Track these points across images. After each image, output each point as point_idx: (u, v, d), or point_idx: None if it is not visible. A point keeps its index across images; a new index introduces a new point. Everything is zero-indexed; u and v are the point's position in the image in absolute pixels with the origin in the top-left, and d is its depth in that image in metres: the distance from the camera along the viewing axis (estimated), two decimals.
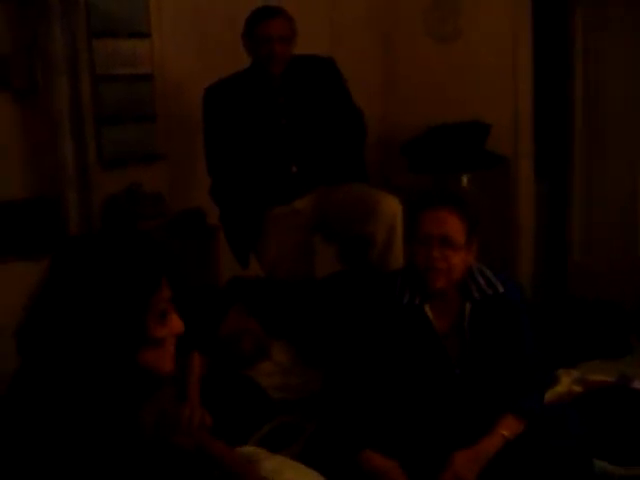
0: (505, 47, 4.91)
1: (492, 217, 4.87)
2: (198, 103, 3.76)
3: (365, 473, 2.40)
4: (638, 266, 4.92)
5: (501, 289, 2.57)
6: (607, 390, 3.08)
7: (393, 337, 2.56)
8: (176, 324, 1.61)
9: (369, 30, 5.28)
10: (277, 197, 3.71)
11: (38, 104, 3.93)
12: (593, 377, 3.27)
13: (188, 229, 4.23)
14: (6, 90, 3.88)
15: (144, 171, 4.28)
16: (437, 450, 2.43)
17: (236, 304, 2.85)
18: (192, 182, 4.30)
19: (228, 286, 3.04)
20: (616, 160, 5.01)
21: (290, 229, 3.69)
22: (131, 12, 4.15)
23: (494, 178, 4.84)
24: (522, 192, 5.00)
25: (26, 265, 3.51)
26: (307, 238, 3.77)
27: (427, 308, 2.55)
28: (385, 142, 5.27)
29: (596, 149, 5.08)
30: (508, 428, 2.45)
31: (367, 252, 3.57)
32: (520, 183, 4.98)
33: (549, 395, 3.08)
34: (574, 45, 5.06)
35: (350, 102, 3.84)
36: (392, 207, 3.53)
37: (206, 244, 4.27)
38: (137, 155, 4.27)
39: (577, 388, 3.14)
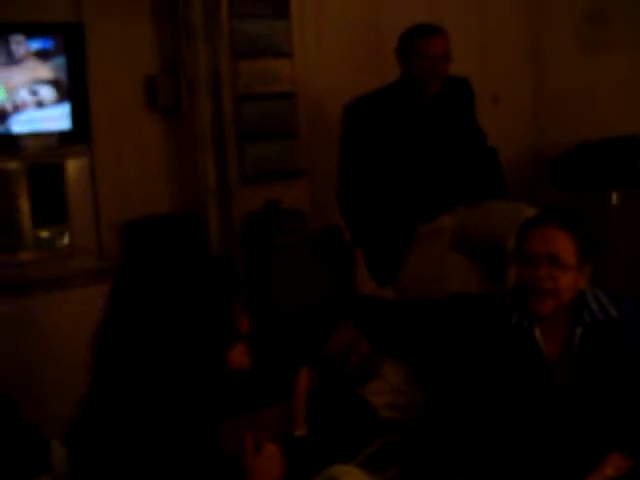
0: None
1: None
2: (339, 121, 3.79)
3: None
4: None
5: (614, 314, 2.43)
6: None
7: (499, 358, 2.47)
8: (245, 324, 1.75)
9: (519, 44, 5.17)
10: (422, 214, 3.68)
11: (182, 122, 4.10)
12: None
13: (326, 246, 4.28)
14: (153, 109, 4.08)
15: (284, 188, 4.37)
16: None
17: (344, 320, 2.84)
18: (332, 199, 4.34)
19: (340, 302, 3.05)
20: None
21: (431, 249, 3.67)
22: (274, 33, 4.27)
23: None
24: None
25: None
26: (446, 257, 3.73)
27: (537, 331, 2.45)
28: (535, 157, 5.13)
29: None
30: (614, 466, 2.30)
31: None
32: None
33: None
34: None
35: (476, 123, 3.80)
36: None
37: (343, 262, 4.30)
38: (278, 172, 4.37)
39: None
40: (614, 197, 4.42)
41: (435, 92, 3.58)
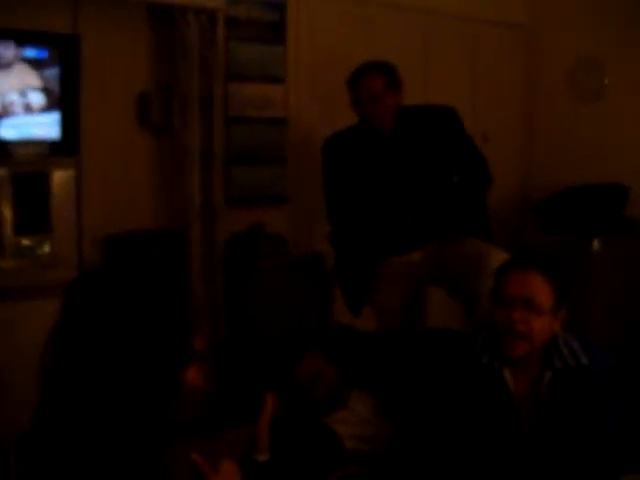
0: None
1: (626, 285, 4.67)
2: None
3: None
4: None
5: (585, 361, 2.44)
6: None
7: (468, 397, 2.47)
8: (200, 344, 1.73)
9: (511, 86, 5.22)
10: (393, 249, 3.68)
11: (172, 141, 4.11)
12: None
13: (307, 273, 4.28)
14: (144, 126, 4.09)
15: (269, 212, 4.39)
16: None
17: (314, 349, 2.84)
18: (315, 227, 4.36)
19: (311, 331, 3.05)
20: None
21: (404, 277, 3.66)
22: (269, 58, 4.29)
23: (631, 244, 4.62)
24: None
25: None
26: (420, 288, 3.73)
27: (506, 372, 2.45)
28: (522, 200, 5.16)
29: None
30: None
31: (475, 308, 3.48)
32: None
33: None
34: None
35: (474, 149, 3.75)
36: (500, 262, 3.41)
37: (323, 289, 4.31)
38: (264, 196, 4.39)
39: None
40: (595, 243, 4.44)
41: (384, 127, 3.57)
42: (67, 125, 3.80)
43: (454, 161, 3.69)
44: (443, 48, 4.86)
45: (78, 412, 1.57)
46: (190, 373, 1.72)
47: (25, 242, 3.78)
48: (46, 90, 3.73)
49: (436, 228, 3.67)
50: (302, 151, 4.42)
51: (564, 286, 2.45)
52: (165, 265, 3.98)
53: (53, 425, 1.58)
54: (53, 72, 3.73)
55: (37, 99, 3.72)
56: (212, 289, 4.16)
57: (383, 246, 3.67)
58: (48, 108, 3.74)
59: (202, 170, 4.11)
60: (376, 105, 3.53)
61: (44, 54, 3.72)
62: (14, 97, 3.65)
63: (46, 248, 3.84)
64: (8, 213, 3.73)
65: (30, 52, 3.67)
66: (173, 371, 1.68)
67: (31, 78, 3.69)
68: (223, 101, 4.15)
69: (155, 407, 1.63)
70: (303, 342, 2.84)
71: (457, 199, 3.70)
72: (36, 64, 3.69)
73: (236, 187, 4.28)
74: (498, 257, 3.44)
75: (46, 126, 3.75)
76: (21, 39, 3.63)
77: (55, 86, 3.74)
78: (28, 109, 3.69)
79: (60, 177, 3.88)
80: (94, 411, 1.56)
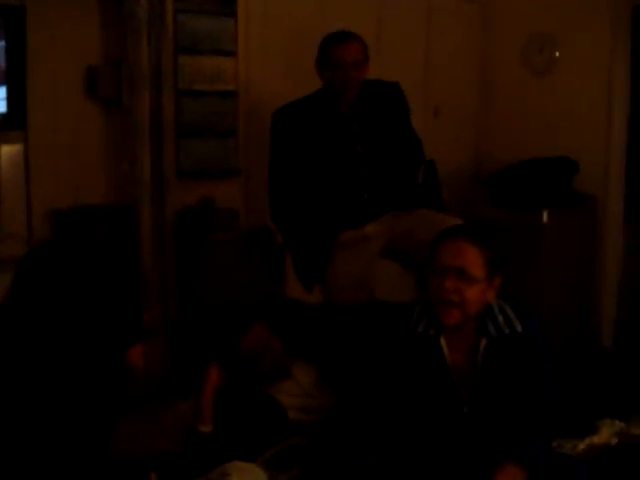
0: (601, 81, 4.77)
1: (575, 257, 4.74)
2: None
3: None
4: None
5: (519, 328, 2.49)
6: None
7: (405, 365, 2.51)
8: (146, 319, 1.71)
9: (465, 60, 5.24)
10: (348, 222, 3.69)
11: (122, 114, 4.08)
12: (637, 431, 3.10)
13: (258, 246, 4.29)
14: (93, 99, 4.06)
15: (220, 185, 4.38)
16: None
17: (259, 320, 2.86)
18: (266, 200, 4.36)
19: (256, 303, 3.07)
20: None
21: (358, 256, 3.68)
22: (218, 31, 4.27)
23: (579, 217, 4.69)
24: (609, 234, 4.81)
25: None
26: (372, 264, 3.75)
27: (442, 340, 2.50)
28: (474, 173, 5.20)
29: None
30: (509, 477, 2.35)
31: None
32: (607, 224, 4.81)
33: (583, 445, 2.95)
34: None
35: (411, 129, 3.79)
36: None
37: (274, 263, 4.32)
38: (215, 170, 4.38)
39: (615, 440, 2.99)
40: (544, 215, 4.49)
41: (352, 98, 3.57)
42: (14, 99, 3.77)
43: (397, 137, 3.73)
44: (398, 21, 4.86)
45: (23, 389, 1.56)
46: (133, 352, 1.73)
47: None
48: None
49: (391, 199, 3.70)
50: (253, 124, 4.42)
51: (497, 256, 2.49)
52: (114, 240, 3.98)
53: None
54: None
55: None
56: (162, 263, 4.15)
57: (338, 219, 3.68)
58: None
59: (152, 143, 4.08)
60: (358, 72, 3.53)
61: None
62: None
63: None
64: None
65: None
66: (121, 348, 1.69)
67: None
68: (173, 74, 4.13)
69: (101, 383, 1.63)
70: (248, 313, 2.87)
71: (414, 174, 3.75)
72: None
73: (187, 160, 4.27)
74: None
75: None
76: None
77: (1, 60, 3.71)
78: None
79: (7, 151, 3.85)
80: (38, 383, 1.57)
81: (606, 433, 3.06)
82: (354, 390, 2.58)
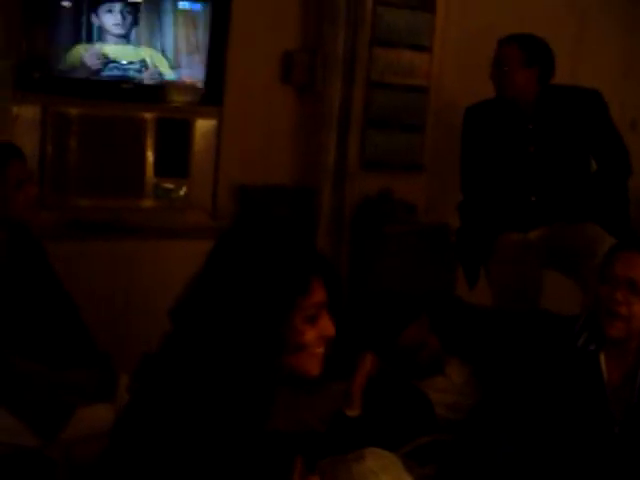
0: None
1: None
2: None
3: None
4: None
5: None
6: None
7: (559, 379, 2.45)
8: (326, 327, 1.58)
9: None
10: (513, 224, 3.66)
11: (313, 100, 4.20)
12: None
13: (433, 243, 4.29)
14: (287, 83, 4.20)
15: (402, 179, 4.41)
16: None
17: (422, 316, 2.88)
18: (447, 199, 4.34)
19: (421, 297, 3.07)
20: None
21: (518, 260, 3.64)
22: (416, 25, 4.30)
23: None
24: None
25: None
26: (535, 271, 3.69)
27: (601, 356, 2.42)
28: None
29: None
30: None
31: None
32: None
33: None
34: None
35: (616, 137, 3.66)
36: None
37: (448, 261, 4.30)
38: (398, 163, 4.41)
39: None
40: None
41: (526, 102, 3.54)
42: (212, 76, 3.95)
43: (593, 146, 3.64)
44: (598, 30, 4.71)
45: (199, 355, 1.54)
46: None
47: (164, 184, 3.98)
48: (196, 43, 3.89)
49: (559, 207, 3.62)
50: (441, 121, 4.42)
51: None
52: (296, 222, 4.08)
53: (176, 359, 1.55)
54: (204, 25, 3.89)
55: (189, 49, 3.90)
56: (338, 249, 4.24)
57: (504, 220, 3.66)
58: (197, 61, 3.91)
59: (339, 131, 4.18)
60: (500, 73, 3.53)
61: (197, 7, 3.89)
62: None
63: (182, 192, 4.03)
64: (151, 156, 3.93)
65: (184, 4, 3.86)
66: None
67: (184, 31, 3.87)
68: (366, 65, 4.19)
69: (270, 357, 1.61)
70: (412, 308, 2.89)
71: (593, 185, 3.64)
72: (190, 17, 3.86)
73: (372, 151, 4.33)
74: (610, 243, 3.35)
75: (194, 76, 3.93)
76: None
77: (205, 39, 3.91)
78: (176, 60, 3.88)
79: (202, 126, 4.05)
80: (216, 358, 1.54)
81: None
82: (503, 395, 2.55)
